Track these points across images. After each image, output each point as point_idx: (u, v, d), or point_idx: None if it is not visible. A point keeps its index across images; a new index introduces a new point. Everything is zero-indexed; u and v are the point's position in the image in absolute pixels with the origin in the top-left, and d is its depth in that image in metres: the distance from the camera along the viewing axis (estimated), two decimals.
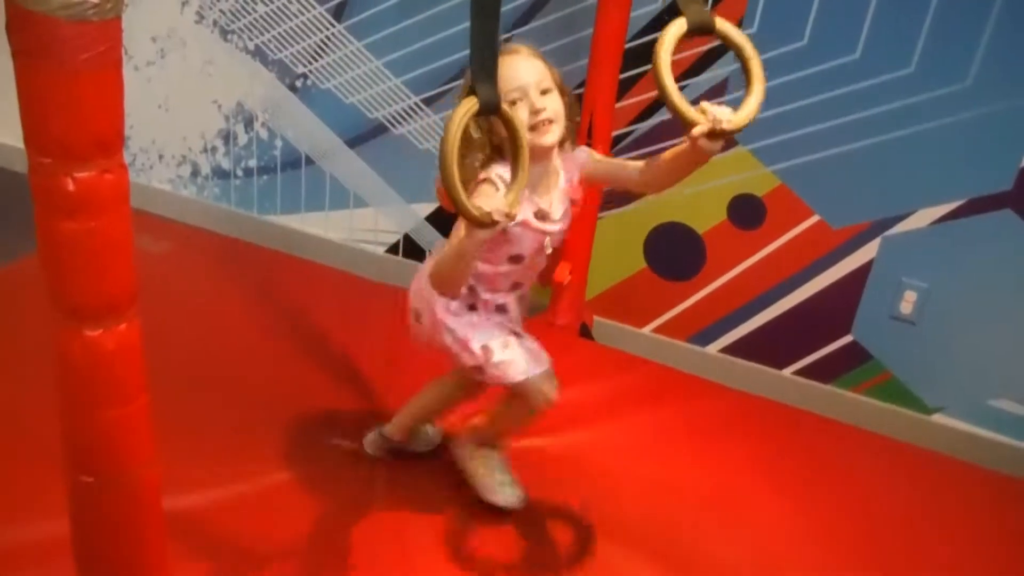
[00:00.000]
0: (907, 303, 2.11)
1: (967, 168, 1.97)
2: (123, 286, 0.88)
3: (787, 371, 2.30)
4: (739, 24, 1.99)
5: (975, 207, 1.99)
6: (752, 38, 2.00)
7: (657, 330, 2.38)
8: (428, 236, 2.55)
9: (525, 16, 2.19)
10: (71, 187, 0.80)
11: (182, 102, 2.67)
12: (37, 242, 0.85)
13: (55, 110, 0.77)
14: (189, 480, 1.62)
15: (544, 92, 1.37)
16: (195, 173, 2.76)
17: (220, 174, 2.73)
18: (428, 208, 2.52)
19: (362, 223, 2.61)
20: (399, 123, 2.45)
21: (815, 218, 2.12)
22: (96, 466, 0.93)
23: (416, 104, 2.40)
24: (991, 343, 2.08)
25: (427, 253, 2.58)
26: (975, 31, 1.85)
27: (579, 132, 2.06)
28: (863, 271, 2.13)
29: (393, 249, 2.61)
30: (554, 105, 1.37)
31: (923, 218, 2.04)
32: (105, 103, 0.81)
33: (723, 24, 1.30)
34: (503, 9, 2.15)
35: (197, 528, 1.56)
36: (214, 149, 2.71)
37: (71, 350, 0.87)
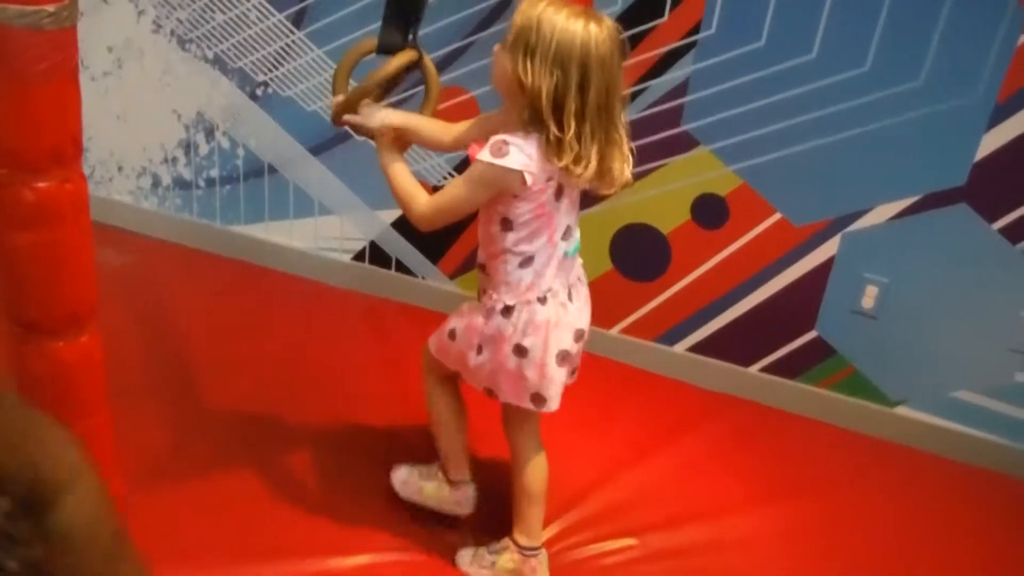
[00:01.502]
0: (868, 298, 2.15)
1: (922, 164, 2.01)
2: (84, 298, 0.86)
3: (754, 368, 2.32)
4: (697, 26, 2.03)
5: (931, 202, 2.03)
6: (711, 39, 2.04)
7: (624, 331, 2.39)
8: (394, 242, 2.54)
9: (485, 21, 2.20)
10: (30, 198, 0.78)
11: (141, 113, 2.63)
12: None
13: (11, 120, 0.76)
14: (156, 497, 1.60)
15: (503, 44, 1.32)
16: (156, 184, 2.72)
17: (182, 185, 2.69)
18: (393, 215, 2.51)
19: (327, 231, 2.60)
20: None
21: (777, 216, 2.15)
22: None
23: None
24: (951, 335, 2.12)
25: (392, 261, 2.57)
26: (926, 31, 1.89)
27: None
28: (825, 267, 2.16)
29: (359, 256, 2.60)
30: (496, 54, 1.34)
31: (882, 214, 2.08)
32: (62, 113, 0.80)
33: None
34: (466, 12, 2.16)
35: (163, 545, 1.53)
36: (175, 160, 2.67)
37: (31, 363, 0.86)
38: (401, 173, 1.49)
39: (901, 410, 2.24)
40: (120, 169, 2.74)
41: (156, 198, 2.74)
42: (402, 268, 2.57)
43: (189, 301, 2.38)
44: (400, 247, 2.54)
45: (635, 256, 2.31)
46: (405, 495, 1.70)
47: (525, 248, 1.43)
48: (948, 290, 2.09)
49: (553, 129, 1.28)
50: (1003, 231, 2.00)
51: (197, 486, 1.69)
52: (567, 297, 1.48)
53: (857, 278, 2.15)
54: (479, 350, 1.51)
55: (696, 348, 2.35)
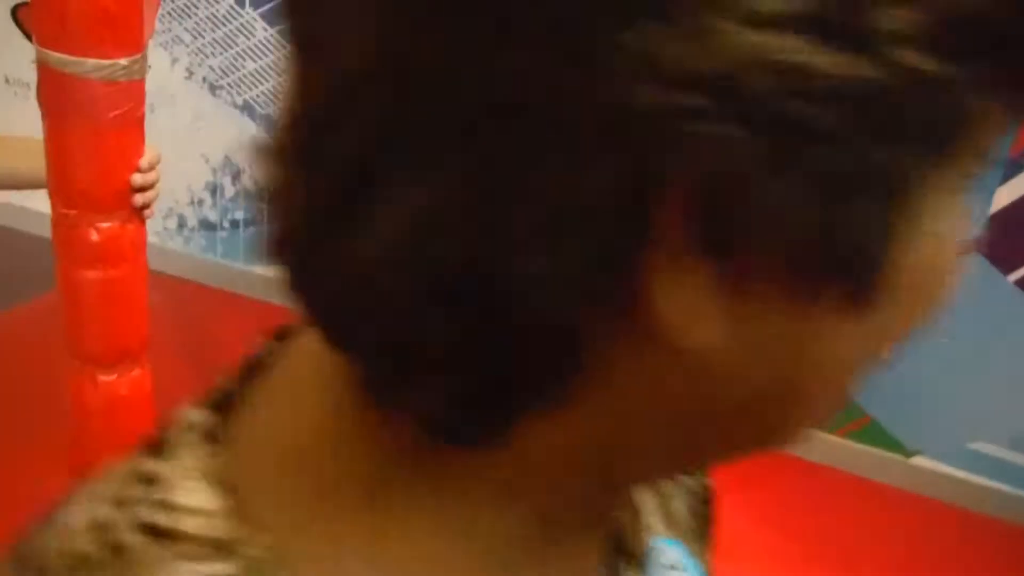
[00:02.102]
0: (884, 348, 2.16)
1: None
2: (138, 333, 0.90)
3: None
4: None
5: None
6: None
7: None
8: None
9: None
10: (95, 237, 0.83)
11: (170, 156, 2.66)
12: (59, 290, 0.87)
13: (85, 164, 0.81)
14: None
15: None
16: (181, 225, 2.78)
17: (207, 226, 2.75)
18: None
19: None
20: None
21: None
22: None
23: None
24: (968, 386, 2.13)
25: None
26: None
27: None
28: None
29: None
30: None
31: None
32: (128, 158, 0.85)
33: None
34: None
35: None
36: (201, 201, 2.73)
37: (86, 394, 0.89)
38: None
39: (917, 460, 2.24)
40: None
41: (181, 239, 2.79)
42: None
43: (212, 340, 2.42)
44: None
45: None
46: None
47: None
48: (965, 341, 2.10)
49: None
50: (1019, 283, 2.03)
51: None
52: None
53: None
54: None
55: None
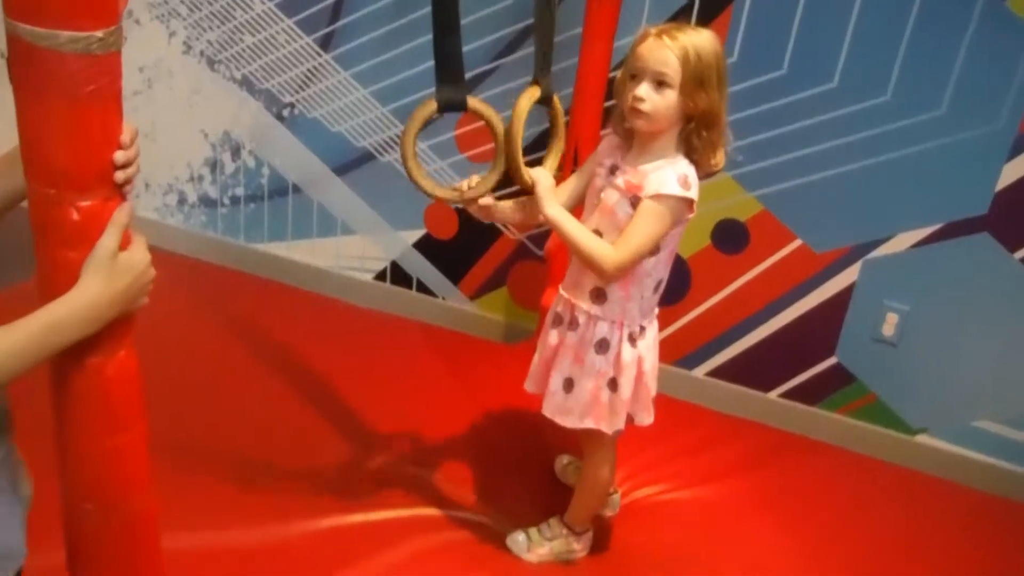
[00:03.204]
0: (889, 325, 2.14)
1: (944, 193, 2.01)
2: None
3: (773, 394, 2.32)
4: None
5: (953, 231, 2.03)
6: (732, 67, 2.05)
7: None
8: (415, 263, 2.57)
9: (510, 46, 2.23)
10: (75, 217, 0.81)
11: (169, 131, 2.68)
12: (38, 272, 0.86)
13: (62, 141, 0.79)
14: (182, 516, 1.60)
15: (660, 84, 1.36)
16: (182, 201, 2.76)
17: (207, 203, 2.73)
18: (415, 235, 2.53)
19: (349, 250, 2.63)
20: (385, 151, 2.48)
21: (798, 242, 2.16)
22: (96, 493, 0.93)
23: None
24: (972, 364, 2.11)
25: (414, 281, 2.59)
26: (947, 60, 1.91)
27: (567, 162, 2.10)
28: (845, 294, 2.16)
29: (380, 276, 2.62)
30: (656, 100, 1.36)
31: (903, 242, 2.08)
32: (107, 134, 0.82)
33: (473, 101, 1.49)
34: (490, 39, 2.19)
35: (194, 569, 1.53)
36: (201, 178, 2.71)
37: (71, 377, 0.88)
38: (580, 228, 1.45)
39: (922, 438, 2.23)
40: (147, 186, 2.78)
41: (182, 215, 2.78)
42: (423, 288, 2.59)
43: (211, 317, 2.41)
44: (421, 267, 2.57)
45: None
46: (532, 559, 1.72)
47: (661, 273, 1.50)
48: (969, 319, 2.08)
49: (717, 135, 1.40)
50: None
51: (220, 509, 1.70)
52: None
53: (878, 306, 2.14)
54: (613, 385, 1.52)
55: (715, 372, 2.35)
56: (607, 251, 1.42)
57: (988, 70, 1.89)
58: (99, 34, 0.76)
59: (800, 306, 2.21)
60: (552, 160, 1.61)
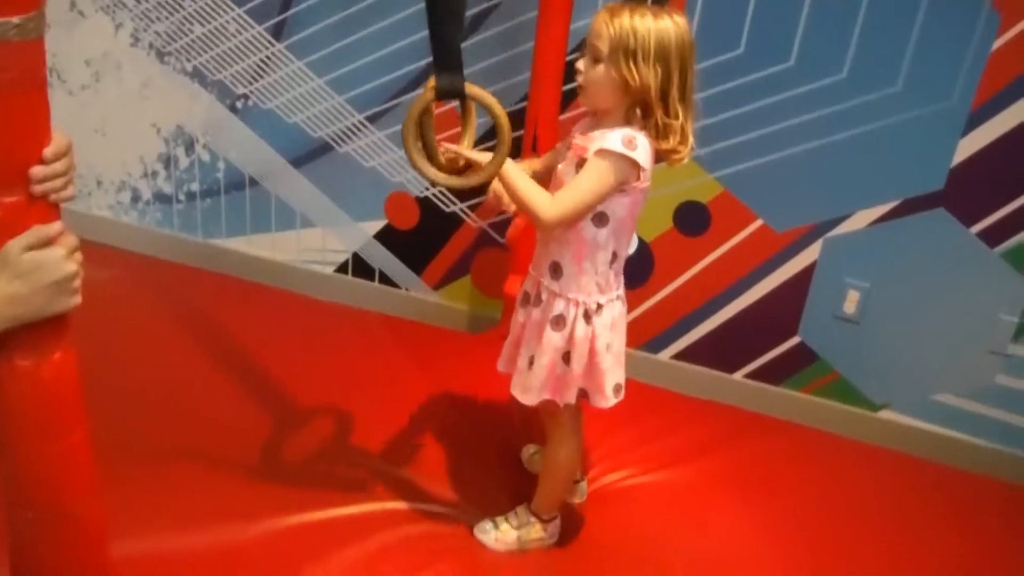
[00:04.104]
0: (850, 303, 2.16)
1: (901, 169, 2.02)
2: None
3: (738, 375, 2.33)
4: None
5: (911, 207, 2.05)
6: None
7: None
8: (377, 254, 2.53)
9: (466, 31, 2.20)
10: None
11: (120, 126, 2.62)
12: None
13: None
14: (139, 520, 1.57)
15: (595, 59, 1.38)
16: (136, 199, 2.70)
17: (162, 199, 2.68)
18: (376, 226, 2.50)
19: (310, 243, 2.59)
20: (344, 141, 2.44)
21: (758, 223, 2.16)
22: (36, 501, 0.90)
23: (360, 122, 2.39)
24: (932, 339, 2.14)
25: (376, 273, 2.56)
26: (902, 37, 1.91)
27: (526, 145, 2.08)
28: (807, 273, 2.17)
29: (342, 268, 2.59)
30: (590, 73, 1.38)
31: (862, 219, 2.09)
32: (31, 126, 0.79)
33: (472, 88, 1.44)
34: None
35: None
36: (155, 173, 2.65)
37: (4, 380, 0.84)
38: (523, 178, 1.44)
39: (884, 414, 2.25)
40: (99, 184, 2.72)
41: (136, 212, 2.72)
42: (385, 280, 2.56)
43: (170, 316, 2.36)
44: (383, 259, 2.54)
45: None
46: (501, 548, 1.71)
47: (614, 246, 1.48)
48: (928, 294, 2.10)
49: (660, 117, 1.38)
50: (981, 235, 2.02)
51: (179, 513, 1.66)
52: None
53: (839, 283, 2.16)
54: (567, 359, 1.52)
55: (680, 355, 2.36)
56: (546, 201, 1.41)
57: (942, 47, 1.89)
58: (16, 20, 0.72)
59: (763, 286, 2.22)
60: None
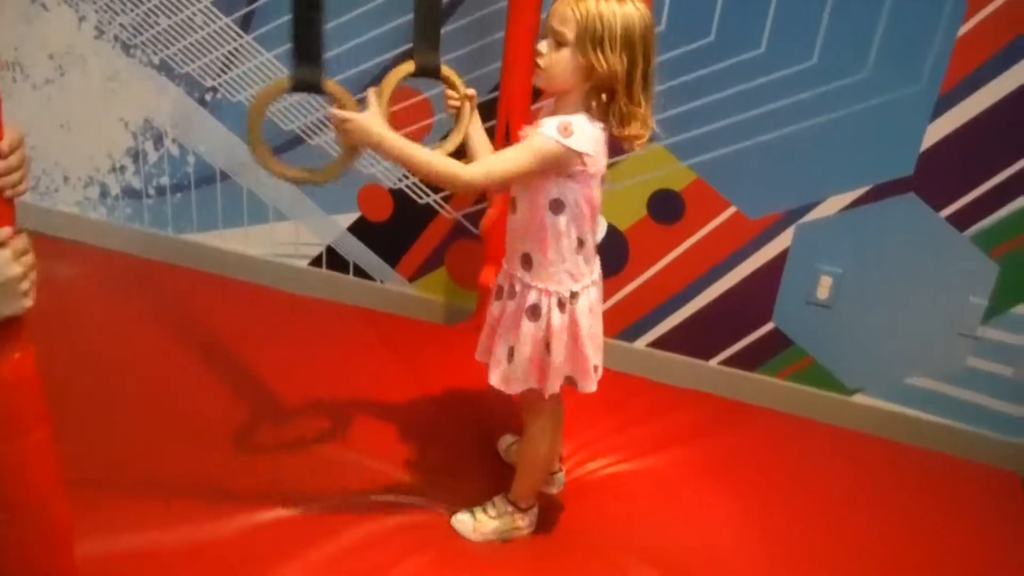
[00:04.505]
0: (823, 288, 2.17)
1: (871, 155, 2.04)
2: None
3: (713, 361, 2.34)
4: None
5: (881, 192, 2.06)
6: (660, 36, 2.04)
7: None
8: (351, 247, 2.52)
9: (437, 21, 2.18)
10: None
11: (85, 121, 2.57)
12: None
13: None
14: (107, 518, 1.55)
15: (559, 43, 1.37)
16: (104, 194, 2.66)
17: (131, 194, 2.64)
18: (349, 219, 2.48)
19: (283, 237, 2.56)
20: (315, 133, 2.41)
21: (732, 210, 2.17)
22: None
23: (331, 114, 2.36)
24: (903, 323, 2.16)
25: (350, 266, 2.54)
26: (870, 23, 1.92)
27: (498, 134, 2.07)
28: (780, 259, 2.18)
29: (316, 262, 2.57)
30: (552, 57, 1.38)
31: (833, 205, 2.10)
32: None
33: (448, 71, 1.52)
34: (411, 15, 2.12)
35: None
36: (123, 168, 2.62)
37: None
38: (422, 149, 1.42)
39: (858, 398, 2.27)
40: (66, 179, 2.67)
41: (105, 208, 2.68)
42: (360, 272, 2.55)
43: (142, 312, 2.33)
44: (358, 251, 2.52)
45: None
46: (479, 539, 1.71)
47: (578, 233, 1.48)
48: (899, 278, 2.12)
49: (624, 103, 1.38)
50: (950, 219, 2.04)
51: (152, 513, 1.64)
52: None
53: (811, 269, 2.17)
54: (547, 348, 1.52)
55: (656, 343, 2.36)
56: (462, 167, 1.41)
57: (909, 33, 1.91)
58: None
59: (736, 273, 2.22)
60: (455, 137, 1.64)
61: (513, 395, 1.59)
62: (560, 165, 1.40)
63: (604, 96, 1.40)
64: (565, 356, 1.53)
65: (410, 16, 1.65)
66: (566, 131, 1.38)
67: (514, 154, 1.41)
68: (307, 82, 1.42)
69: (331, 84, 1.53)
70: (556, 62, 1.38)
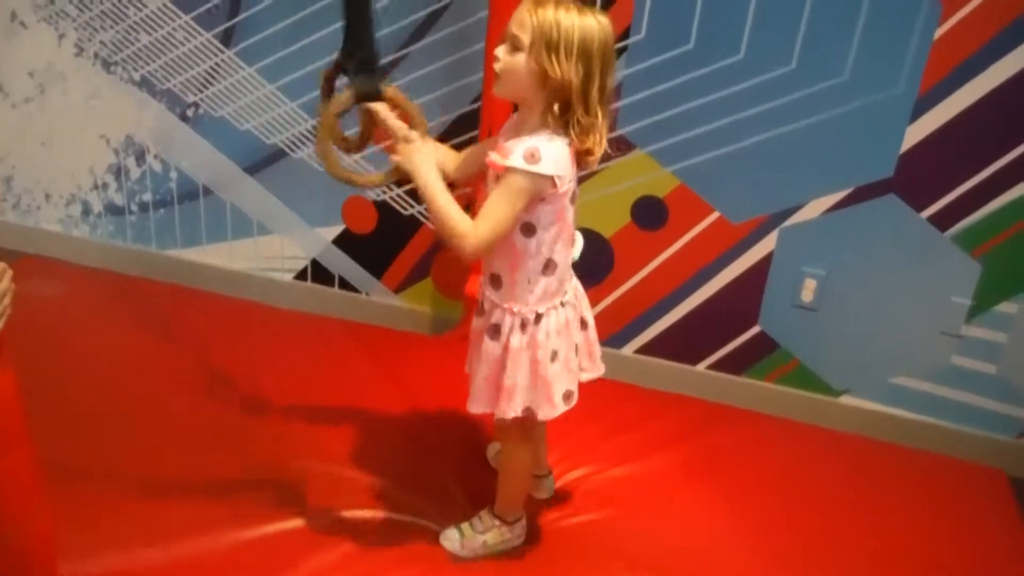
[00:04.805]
0: (808, 291, 2.18)
1: (851, 158, 2.05)
2: None
3: (700, 366, 2.34)
4: (626, 31, 2.04)
5: (862, 194, 2.08)
6: (640, 44, 2.05)
7: None
8: (336, 259, 2.51)
9: (419, 32, 2.19)
10: None
11: (67, 138, 2.56)
12: None
13: None
14: (92, 538, 1.53)
15: (514, 48, 1.36)
16: (86, 212, 2.64)
17: (114, 211, 2.62)
18: (334, 232, 2.48)
19: (267, 251, 2.55)
20: (298, 147, 2.41)
21: (715, 215, 2.18)
22: None
23: (314, 127, 2.36)
24: (888, 323, 2.17)
25: (335, 278, 2.54)
26: (848, 27, 1.94)
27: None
28: (764, 263, 2.19)
29: (301, 275, 2.56)
30: (508, 61, 1.37)
31: (816, 208, 2.12)
32: None
33: (393, 91, 1.51)
34: (398, 25, 2.13)
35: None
36: (105, 185, 2.60)
37: None
38: (449, 200, 1.41)
39: (845, 399, 2.28)
40: (48, 197, 2.66)
41: (87, 226, 2.66)
42: (345, 285, 2.54)
43: (126, 329, 2.32)
44: (342, 264, 2.51)
45: (579, 261, 2.31)
46: (468, 555, 1.69)
47: (547, 253, 1.46)
48: (883, 279, 2.14)
49: (580, 115, 1.36)
50: (931, 219, 2.05)
51: (136, 536, 1.63)
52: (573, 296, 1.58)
53: (796, 272, 2.18)
54: (505, 368, 1.50)
55: (643, 349, 2.37)
56: (467, 228, 1.40)
57: (887, 35, 1.92)
58: None
59: (721, 278, 2.23)
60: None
61: (476, 413, 1.58)
62: (536, 192, 1.39)
63: (558, 108, 1.37)
64: (525, 380, 1.50)
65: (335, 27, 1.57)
66: (532, 158, 1.36)
67: (498, 210, 1.38)
68: (369, 92, 1.41)
69: (391, 91, 1.50)
70: (510, 66, 1.37)
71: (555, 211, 1.43)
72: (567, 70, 1.33)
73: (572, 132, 1.38)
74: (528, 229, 1.43)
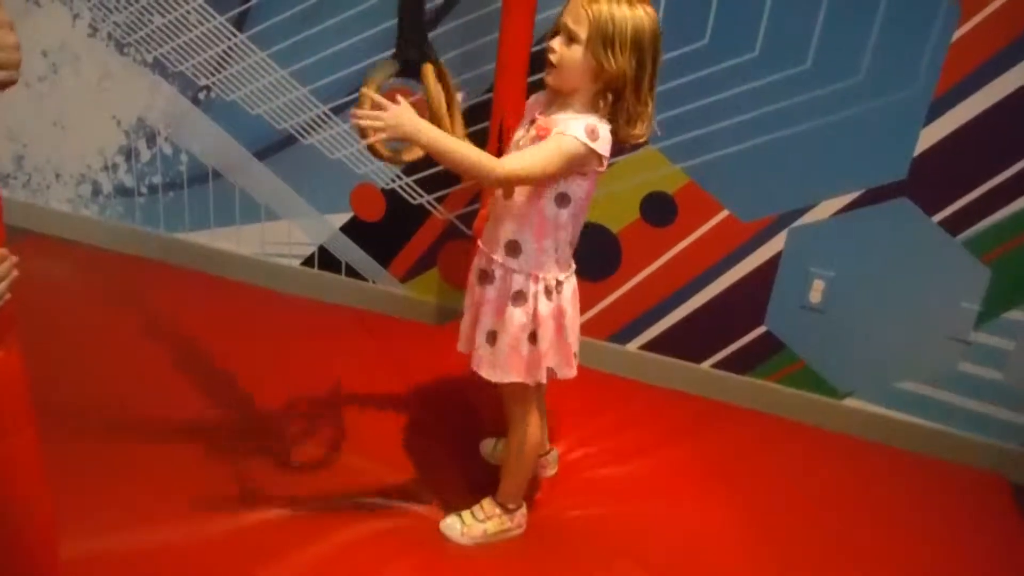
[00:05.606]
0: (815, 292, 2.17)
1: (864, 160, 2.04)
2: None
3: (705, 364, 2.34)
4: None
5: (874, 196, 2.06)
6: None
7: None
8: (343, 247, 2.51)
9: (430, 22, 2.18)
10: None
11: (78, 119, 2.56)
12: None
13: None
14: (92, 519, 1.54)
15: (571, 39, 1.40)
16: (96, 192, 2.65)
17: (123, 192, 2.63)
18: (342, 219, 2.48)
19: (275, 236, 2.55)
20: (308, 133, 2.41)
21: (724, 213, 2.17)
22: None
23: (325, 113, 2.36)
24: (895, 327, 2.16)
25: (342, 266, 2.54)
26: (865, 27, 1.92)
27: (492, 135, 2.07)
28: (772, 263, 2.18)
29: (308, 262, 2.56)
30: (564, 53, 1.41)
31: (826, 209, 2.10)
32: None
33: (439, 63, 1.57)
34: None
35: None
36: (115, 166, 2.61)
37: None
38: (460, 141, 1.44)
39: (849, 402, 2.27)
40: (58, 177, 2.66)
41: (96, 206, 2.67)
42: (352, 272, 2.54)
43: (132, 311, 2.32)
44: (350, 251, 2.51)
45: (586, 255, 2.29)
46: (468, 543, 1.71)
47: (572, 227, 1.52)
48: (892, 283, 2.12)
49: (631, 104, 1.42)
50: (943, 223, 2.04)
51: (145, 515, 1.63)
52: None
53: (804, 273, 2.17)
54: (533, 338, 1.54)
55: (648, 346, 2.36)
56: (495, 161, 1.42)
57: (904, 35, 1.91)
58: None
59: (729, 276, 2.22)
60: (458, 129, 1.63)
61: (498, 387, 1.60)
62: (581, 165, 1.44)
63: (611, 96, 1.44)
64: (553, 344, 1.55)
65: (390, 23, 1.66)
66: (593, 134, 1.41)
67: (545, 154, 1.42)
68: (415, 63, 1.46)
69: (429, 69, 1.55)
70: (568, 58, 1.41)
71: (588, 187, 1.49)
72: (622, 63, 1.38)
73: (620, 119, 1.44)
74: (562, 200, 1.48)
